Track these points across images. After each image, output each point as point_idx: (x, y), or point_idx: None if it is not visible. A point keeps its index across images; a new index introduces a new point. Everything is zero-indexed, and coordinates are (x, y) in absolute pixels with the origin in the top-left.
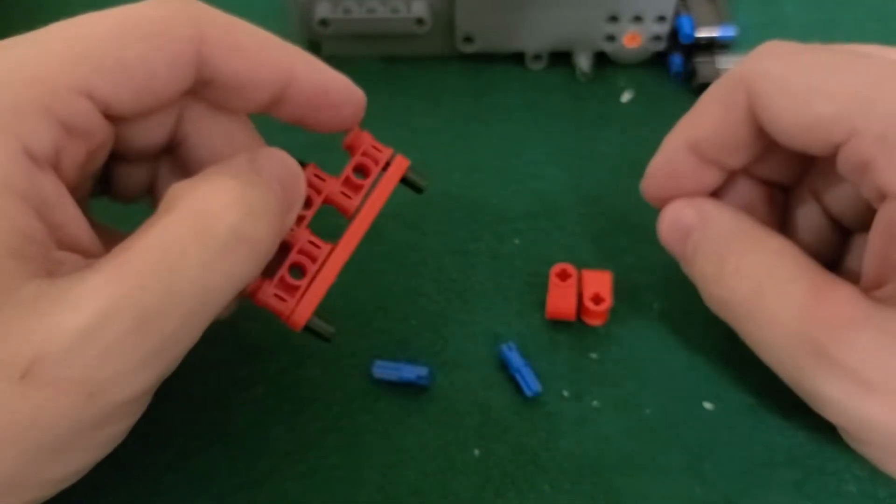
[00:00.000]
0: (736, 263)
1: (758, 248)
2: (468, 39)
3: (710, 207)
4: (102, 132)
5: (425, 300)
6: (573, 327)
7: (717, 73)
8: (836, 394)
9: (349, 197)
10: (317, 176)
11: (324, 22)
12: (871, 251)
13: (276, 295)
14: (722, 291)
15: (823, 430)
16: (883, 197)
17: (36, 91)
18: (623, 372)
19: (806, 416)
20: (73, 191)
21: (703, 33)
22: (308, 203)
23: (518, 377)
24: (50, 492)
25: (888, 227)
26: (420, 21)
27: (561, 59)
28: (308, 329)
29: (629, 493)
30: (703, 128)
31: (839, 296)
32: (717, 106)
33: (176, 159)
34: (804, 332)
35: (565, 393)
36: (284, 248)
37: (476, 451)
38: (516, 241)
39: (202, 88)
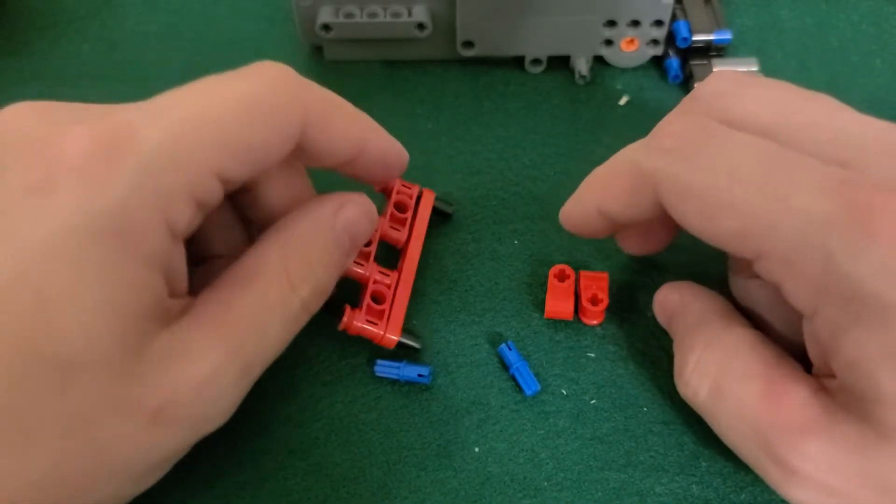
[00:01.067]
0: (695, 362)
1: (715, 345)
2: (468, 44)
3: (689, 295)
4: (219, 201)
5: (426, 300)
6: (571, 327)
7: None
8: (804, 500)
9: (398, 230)
10: None
11: (326, 27)
12: (809, 350)
13: (367, 321)
14: (686, 389)
15: None
16: (801, 312)
17: (183, 176)
18: (620, 371)
19: None
20: None
21: (700, 37)
22: (370, 242)
23: (517, 376)
24: None
25: (813, 339)
26: (421, 26)
27: (559, 62)
28: (400, 344)
29: (627, 491)
30: (612, 204)
31: (791, 398)
32: (625, 190)
33: (235, 205)
34: (761, 437)
35: (564, 391)
36: (361, 281)
37: (476, 449)
38: (515, 242)
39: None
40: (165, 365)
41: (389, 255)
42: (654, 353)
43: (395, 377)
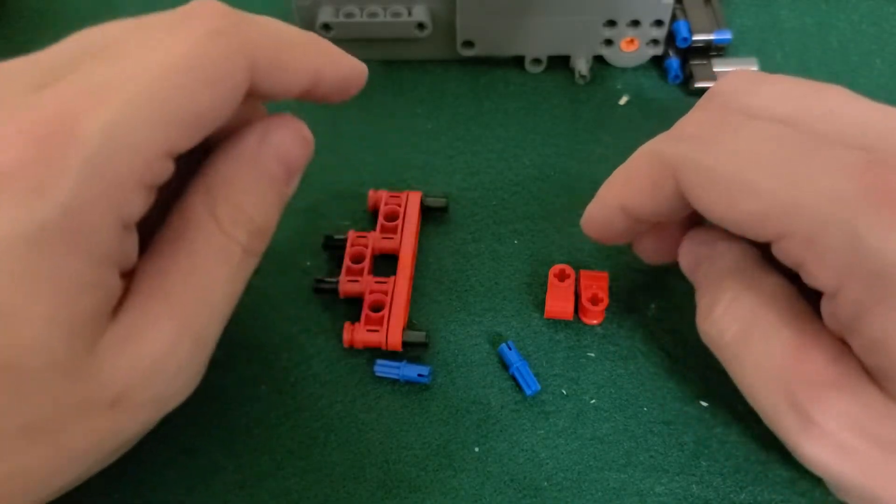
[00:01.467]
0: (727, 304)
1: (751, 290)
2: (468, 44)
3: (721, 242)
4: (170, 175)
5: (426, 300)
6: (571, 327)
7: (713, 77)
8: (816, 452)
9: (390, 238)
10: (359, 236)
11: (326, 26)
12: (830, 325)
13: (368, 331)
14: (711, 329)
15: None
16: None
17: (131, 166)
18: (620, 370)
19: None
20: None
21: (700, 37)
22: (362, 258)
23: (517, 376)
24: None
25: (834, 319)
26: (421, 25)
27: (560, 62)
28: (407, 344)
29: (626, 491)
30: (635, 198)
31: (821, 353)
32: (646, 182)
33: None
34: (785, 386)
35: (564, 391)
36: (360, 296)
37: (476, 449)
38: (515, 242)
39: None
40: (117, 353)
41: (392, 263)
42: (654, 353)
43: (395, 377)
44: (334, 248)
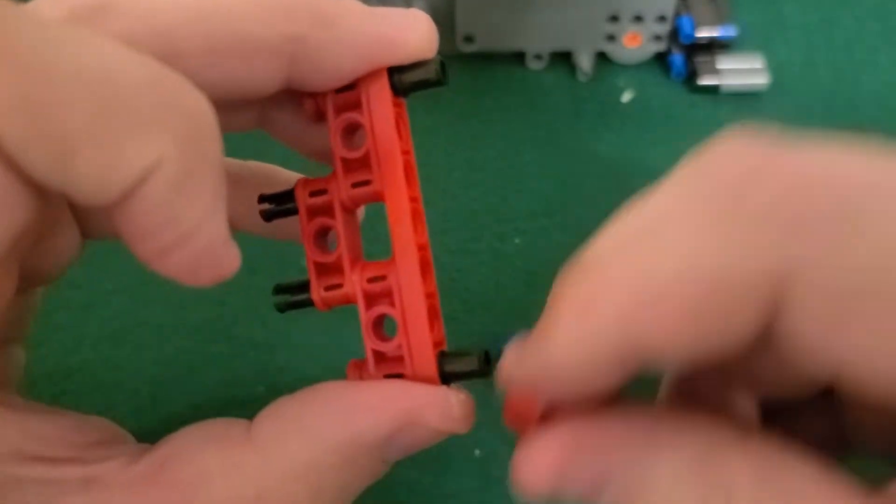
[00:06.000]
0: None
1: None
2: (468, 39)
3: (570, 438)
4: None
5: None
6: None
7: (717, 73)
8: None
9: (368, 182)
10: (313, 193)
11: None
12: None
13: (386, 377)
14: None
15: None
16: None
17: None
18: None
19: None
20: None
21: (704, 33)
22: (334, 237)
23: None
24: None
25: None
26: None
27: (561, 58)
28: (453, 377)
29: None
30: (670, 327)
31: None
32: (701, 300)
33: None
34: None
35: None
36: (349, 303)
37: (477, 452)
38: (516, 241)
39: None
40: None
41: None
42: None
43: None
44: (280, 213)
